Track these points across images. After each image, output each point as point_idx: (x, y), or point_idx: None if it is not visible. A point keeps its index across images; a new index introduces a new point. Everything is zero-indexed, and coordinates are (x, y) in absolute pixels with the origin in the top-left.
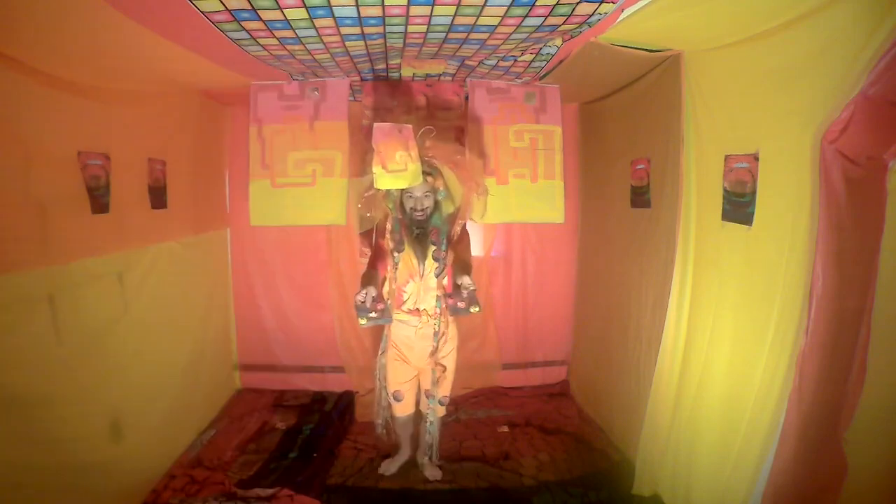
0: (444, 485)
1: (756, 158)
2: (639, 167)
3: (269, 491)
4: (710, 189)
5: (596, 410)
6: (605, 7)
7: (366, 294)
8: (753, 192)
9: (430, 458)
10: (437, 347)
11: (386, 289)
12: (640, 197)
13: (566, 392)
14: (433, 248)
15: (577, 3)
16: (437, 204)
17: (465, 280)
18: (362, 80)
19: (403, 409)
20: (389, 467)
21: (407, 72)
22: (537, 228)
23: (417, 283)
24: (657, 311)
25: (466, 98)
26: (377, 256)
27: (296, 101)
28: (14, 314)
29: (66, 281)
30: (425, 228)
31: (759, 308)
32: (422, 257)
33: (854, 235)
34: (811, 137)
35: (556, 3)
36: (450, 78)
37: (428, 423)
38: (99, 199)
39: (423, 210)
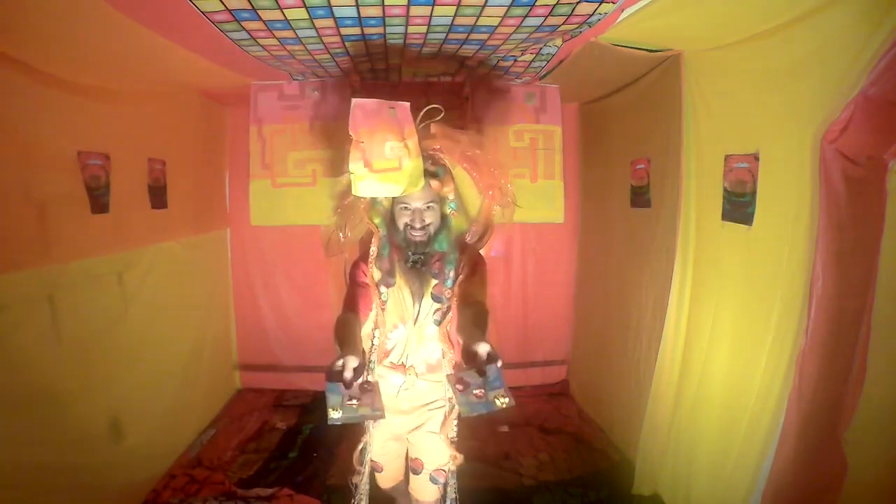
0: None
1: (756, 158)
2: (639, 167)
3: (269, 491)
4: (710, 189)
5: (596, 410)
6: (605, 7)
7: (343, 363)
8: (753, 192)
9: None
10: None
11: (366, 333)
12: (640, 197)
13: (566, 392)
14: (434, 282)
15: (577, 3)
16: (444, 219)
17: (483, 347)
18: (362, 80)
19: (386, 481)
20: None
21: (407, 72)
22: (537, 228)
23: (409, 330)
24: (657, 311)
25: (466, 98)
26: (356, 293)
27: (296, 101)
28: (14, 314)
29: (66, 281)
30: (426, 255)
31: (759, 308)
32: (418, 295)
33: (854, 235)
34: (811, 137)
35: (556, 3)
36: (450, 78)
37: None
38: (99, 199)
39: (423, 228)
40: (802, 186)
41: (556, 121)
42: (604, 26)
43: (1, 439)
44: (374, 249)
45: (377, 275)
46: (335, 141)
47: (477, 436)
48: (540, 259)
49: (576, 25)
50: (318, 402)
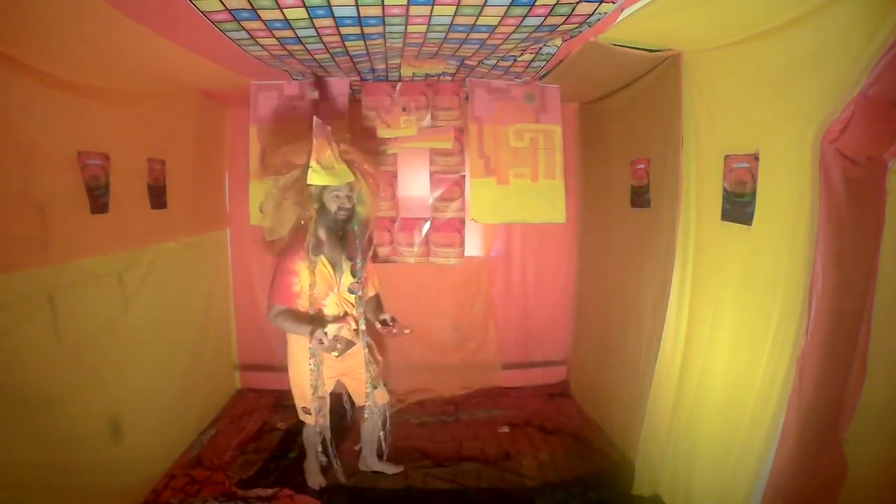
0: (444, 484)
1: (756, 158)
2: (639, 167)
3: (269, 491)
4: (710, 189)
5: (596, 410)
6: (604, 7)
7: (339, 328)
8: (753, 192)
9: (383, 456)
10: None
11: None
12: (640, 197)
13: (566, 392)
14: (349, 262)
15: (577, 3)
16: (354, 207)
17: (387, 316)
18: (362, 80)
19: (312, 420)
20: (316, 479)
21: (407, 72)
22: (537, 228)
23: (335, 295)
24: (657, 311)
25: (466, 98)
26: (290, 281)
27: (296, 101)
28: (14, 314)
29: (66, 281)
30: (346, 231)
31: (759, 308)
32: (338, 268)
33: (854, 235)
34: (811, 137)
35: (556, 3)
36: (450, 78)
37: (367, 417)
38: (99, 199)
39: (346, 210)
40: (802, 186)
41: (556, 121)
42: (603, 26)
43: (1, 439)
44: (311, 227)
45: (310, 244)
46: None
47: (477, 436)
48: (540, 259)
49: (575, 25)
50: None
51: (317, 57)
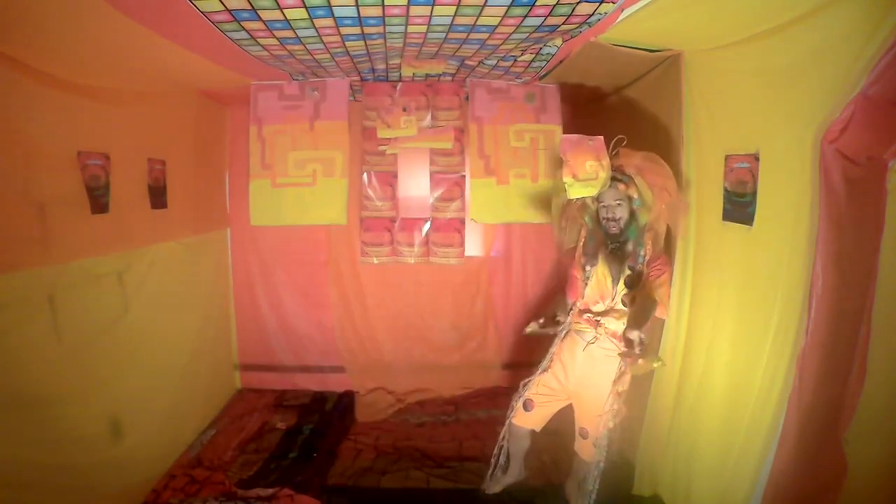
0: (444, 484)
1: (756, 158)
2: None
3: (269, 491)
4: (711, 189)
5: None
6: (605, 7)
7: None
8: (754, 192)
9: None
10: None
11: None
12: None
13: None
14: (628, 271)
15: (577, 3)
16: (632, 214)
17: (636, 335)
18: (362, 80)
19: (525, 421)
20: (492, 486)
21: (407, 72)
22: (537, 228)
23: (608, 305)
24: None
25: (466, 98)
26: (568, 281)
27: (296, 101)
28: (14, 314)
29: (66, 281)
30: (621, 242)
31: (759, 308)
32: (616, 278)
33: (854, 235)
34: (811, 137)
35: (556, 3)
36: (450, 78)
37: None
38: (99, 199)
39: (616, 220)
40: (802, 186)
41: (556, 121)
42: (604, 26)
43: (1, 439)
44: (582, 240)
45: (583, 259)
46: (335, 141)
47: (477, 436)
48: (540, 259)
49: (576, 25)
50: (318, 403)
51: (317, 57)
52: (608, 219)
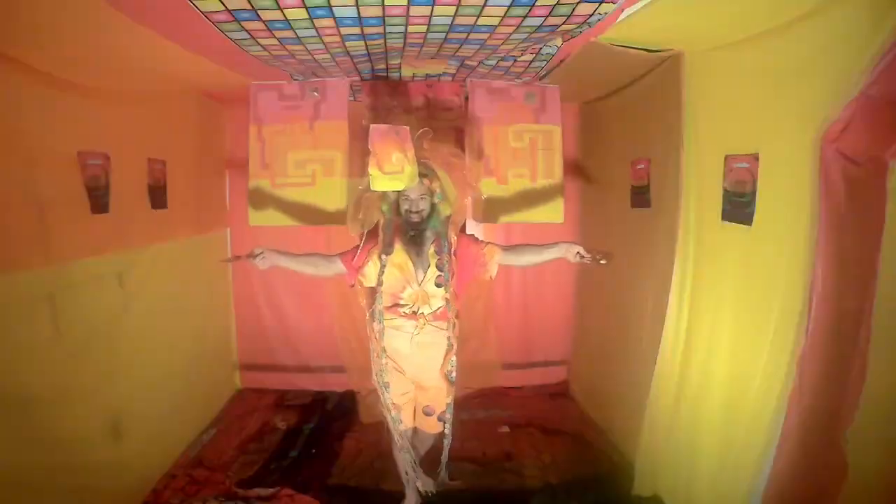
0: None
1: (756, 158)
2: (639, 167)
3: (269, 491)
4: (710, 189)
5: (596, 411)
6: (605, 7)
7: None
8: (753, 192)
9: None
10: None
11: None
12: (640, 197)
13: (566, 392)
14: (436, 257)
15: (577, 4)
16: (433, 207)
17: (574, 251)
18: (362, 80)
19: (406, 425)
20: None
21: (407, 72)
22: (537, 228)
23: (416, 289)
24: (657, 311)
25: (466, 98)
26: (344, 257)
27: (296, 101)
28: (14, 314)
29: (66, 281)
30: (421, 231)
31: (759, 308)
32: (419, 263)
33: (854, 235)
34: (811, 137)
35: (556, 4)
36: (450, 78)
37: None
38: (99, 199)
39: (418, 212)
40: (802, 186)
41: (556, 121)
42: (604, 26)
43: (1, 439)
44: (381, 229)
45: (380, 246)
46: (335, 141)
47: (478, 436)
48: None
49: (576, 25)
50: (318, 402)
51: (317, 57)
52: (410, 210)
